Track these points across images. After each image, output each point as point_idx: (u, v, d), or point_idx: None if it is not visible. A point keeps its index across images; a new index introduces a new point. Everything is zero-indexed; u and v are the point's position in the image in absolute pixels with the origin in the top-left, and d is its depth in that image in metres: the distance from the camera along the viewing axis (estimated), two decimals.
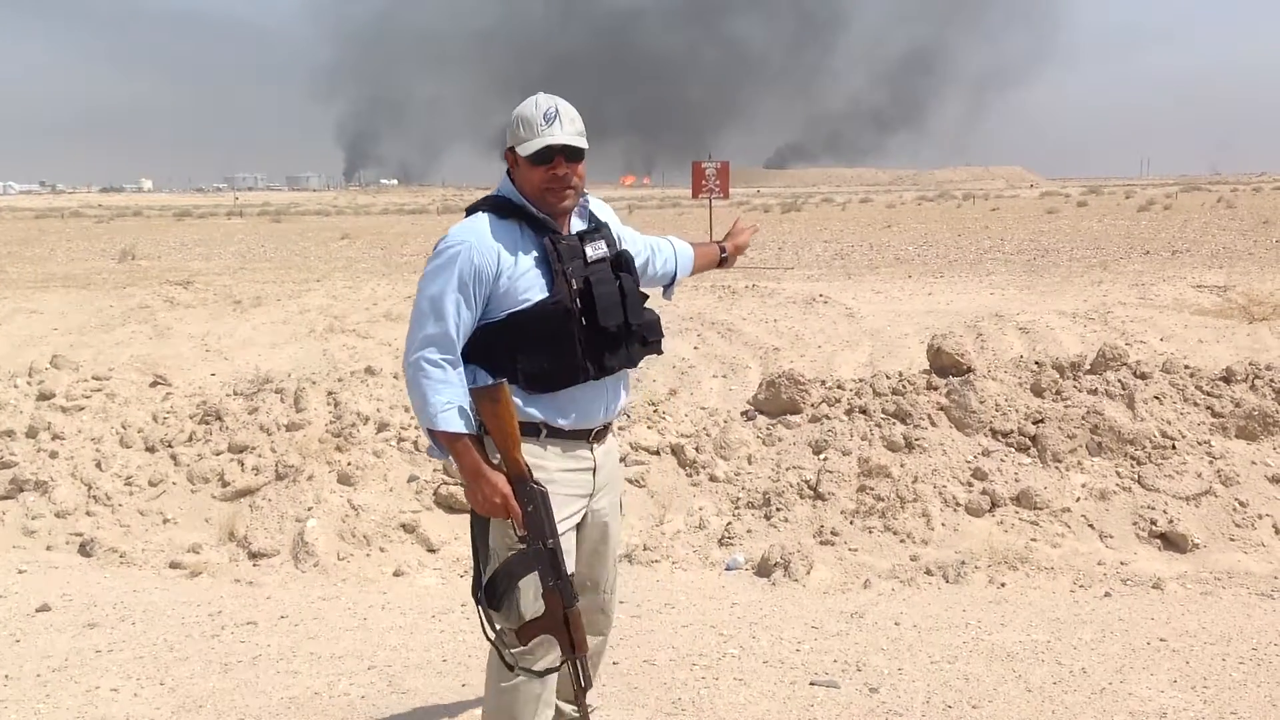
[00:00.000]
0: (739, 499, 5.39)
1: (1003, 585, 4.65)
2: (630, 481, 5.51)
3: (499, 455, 2.63)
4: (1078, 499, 5.13)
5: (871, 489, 5.23)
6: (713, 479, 5.54)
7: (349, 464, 5.62)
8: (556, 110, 2.65)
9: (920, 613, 4.38)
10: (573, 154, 2.66)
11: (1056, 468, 5.28)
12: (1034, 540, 4.93)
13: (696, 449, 5.68)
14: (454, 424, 2.57)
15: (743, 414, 6.01)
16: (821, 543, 5.05)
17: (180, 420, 6.22)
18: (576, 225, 2.78)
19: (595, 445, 2.80)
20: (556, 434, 2.72)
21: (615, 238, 2.85)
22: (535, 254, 2.65)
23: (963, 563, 4.79)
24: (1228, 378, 5.66)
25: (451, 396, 2.58)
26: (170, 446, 6.00)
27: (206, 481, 5.73)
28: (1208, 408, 5.51)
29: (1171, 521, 4.93)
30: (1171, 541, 4.90)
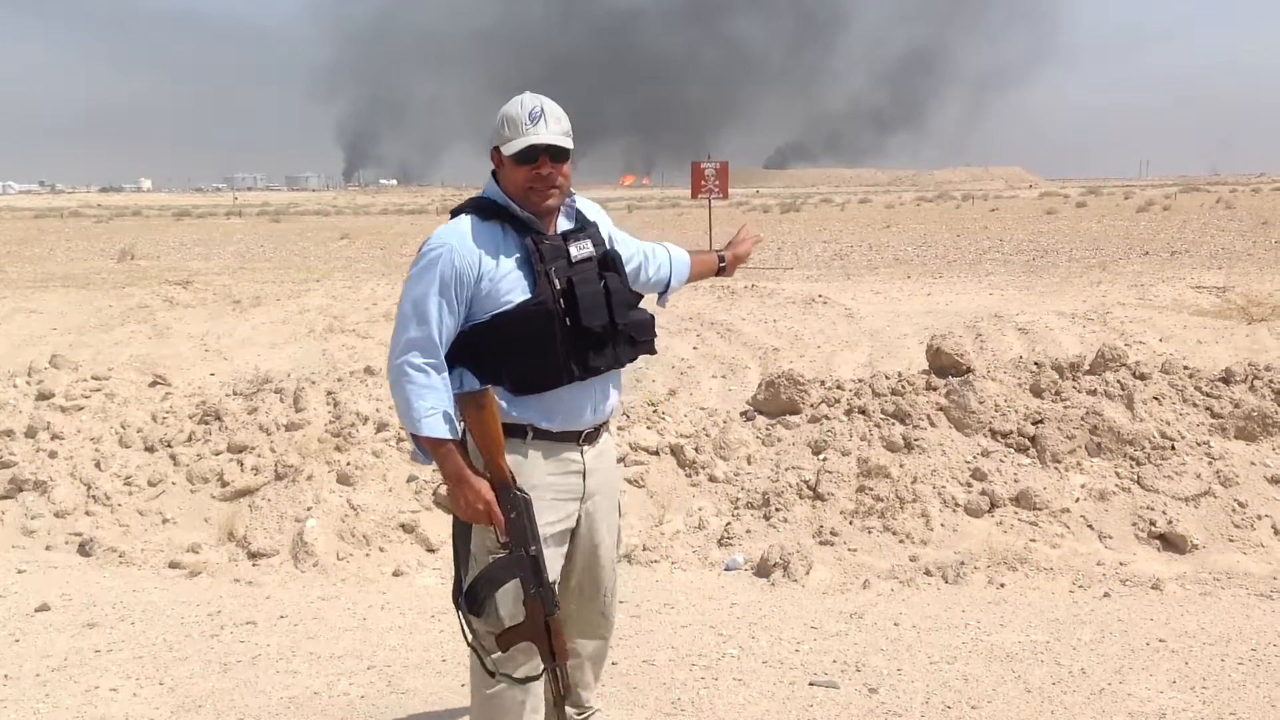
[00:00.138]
0: (738, 499, 5.39)
1: (1002, 586, 4.66)
2: (630, 482, 5.51)
3: (483, 461, 2.62)
4: (1077, 499, 5.13)
5: (871, 489, 5.24)
6: (712, 479, 5.54)
7: (348, 464, 5.62)
8: (541, 109, 2.64)
9: (919, 613, 4.38)
10: (557, 154, 2.65)
11: (1056, 468, 5.29)
12: (1033, 541, 4.93)
13: (696, 449, 5.68)
14: (438, 430, 2.56)
15: (742, 414, 6.01)
16: (821, 543, 5.05)
17: (179, 420, 6.22)
18: (563, 225, 2.76)
19: (585, 448, 2.77)
20: (543, 436, 2.70)
21: (605, 237, 2.82)
22: (518, 255, 2.63)
23: (962, 563, 4.79)
24: (1227, 378, 5.67)
25: (435, 402, 2.57)
26: (169, 446, 6.00)
27: (206, 481, 5.72)
28: (1207, 408, 5.51)
29: (1171, 522, 4.93)
30: (1171, 542, 4.91)
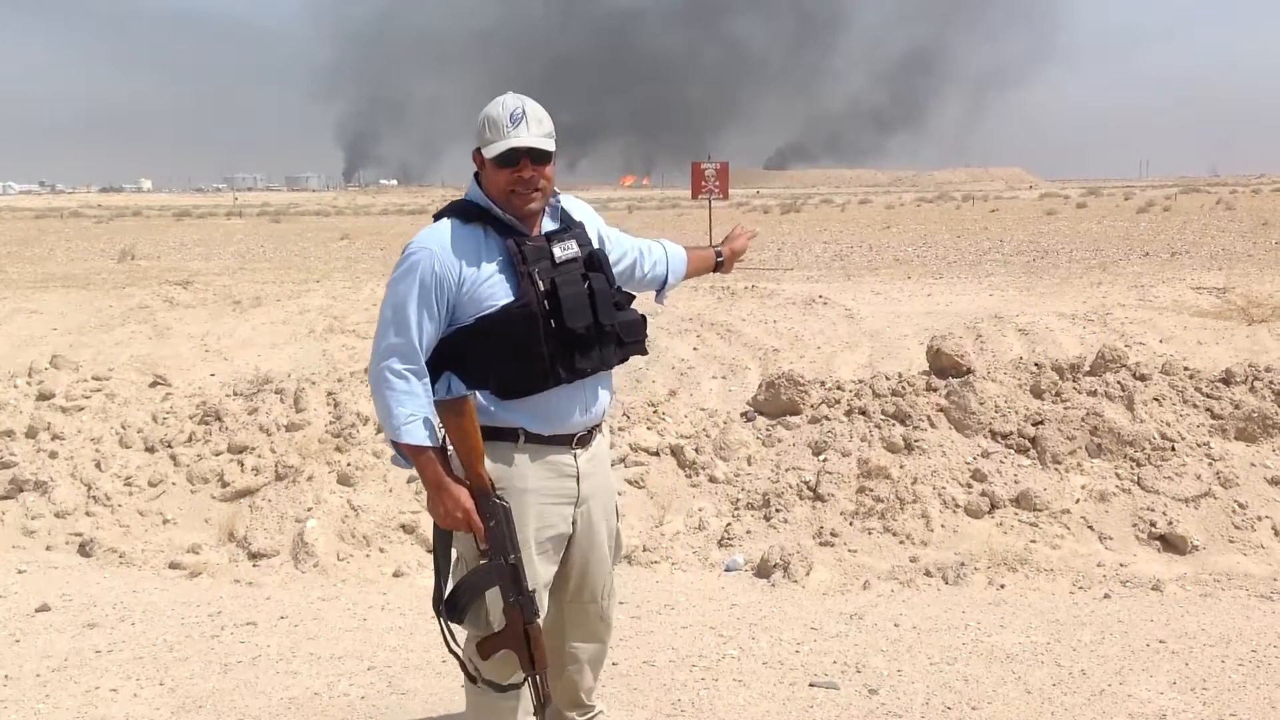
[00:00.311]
0: (738, 500, 5.39)
1: (1002, 587, 4.66)
2: (630, 482, 5.51)
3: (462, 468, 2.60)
4: (1077, 500, 5.13)
5: (871, 490, 5.24)
6: (712, 480, 5.54)
7: (349, 464, 5.62)
8: (523, 111, 2.61)
9: (920, 614, 4.38)
10: (539, 156, 2.61)
11: (1056, 469, 5.29)
12: (1033, 542, 4.93)
13: (696, 450, 5.68)
14: (418, 437, 2.55)
15: (742, 415, 6.01)
16: (821, 544, 5.05)
17: (180, 420, 6.22)
18: (547, 226, 2.73)
19: (578, 451, 2.75)
20: (534, 440, 2.67)
21: (593, 237, 2.80)
22: (500, 258, 2.61)
23: (962, 564, 4.79)
24: (1227, 379, 5.67)
25: (415, 409, 2.55)
26: (170, 447, 6.00)
27: (206, 482, 5.73)
28: (1207, 409, 5.51)
29: (1171, 523, 4.93)
30: (1171, 543, 4.91)
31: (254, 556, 5.21)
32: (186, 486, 5.74)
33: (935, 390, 5.74)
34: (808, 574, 4.80)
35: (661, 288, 3.13)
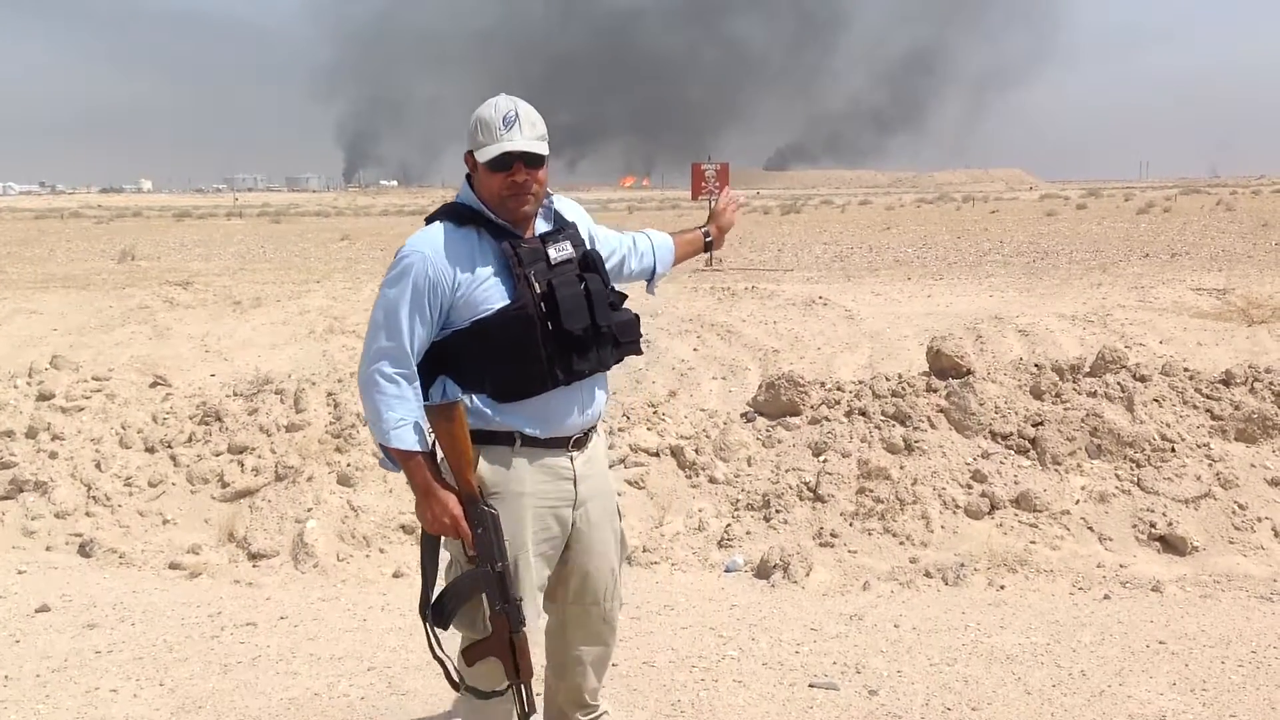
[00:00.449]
0: (738, 501, 5.39)
1: (1002, 588, 4.66)
2: (630, 483, 5.51)
3: (451, 474, 2.59)
4: (1077, 501, 5.13)
5: (871, 491, 5.24)
6: (712, 481, 5.54)
7: (348, 465, 5.62)
8: (516, 114, 2.58)
9: (919, 615, 4.38)
10: (532, 160, 2.59)
11: (1056, 470, 5.29)
12: (1033, 543, 4.93)
13: (696, 451, 5.68)
14: (407, 441, 2.54)
15: (742, 416, 6.01)
16: (821, 545, 5.05)
17: (180, 421, 6.22)
18: (541, 227, 2.71)
19: (575, 454, 2.74)
20: (531, 443, 2.66)
21: (585, 237, 2.78)
22: (495, 260, 2.59)
23: (962, 565, 4.79)
24: (1227, 380, 5.67)
25: (405, 413, 2.54)
26: (170, 447, 6.00)
27: (206, 482, 5.73)
28: (1207, 410, 5.51)
29: (1171, 524, 4.93)
30: (1171, 544, 4.91)
31: (254, 557, 5.21)
32: (186, 487, 5.74)
33: (935, 391, 5.74)
34: (808, 575, 4.80)
35: (651, 278, 3.12)
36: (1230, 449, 5.34)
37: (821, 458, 5.50)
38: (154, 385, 6.85)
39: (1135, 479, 5.19)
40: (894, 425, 5.60)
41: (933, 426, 5.56)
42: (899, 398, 5.73)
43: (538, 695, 3.03)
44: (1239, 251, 19.24)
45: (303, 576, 5.05)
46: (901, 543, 5.00)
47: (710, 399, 6.89)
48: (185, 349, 9.06)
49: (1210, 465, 5.21)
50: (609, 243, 2.96)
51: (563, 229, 2.73)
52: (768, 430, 5.80)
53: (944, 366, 5.87)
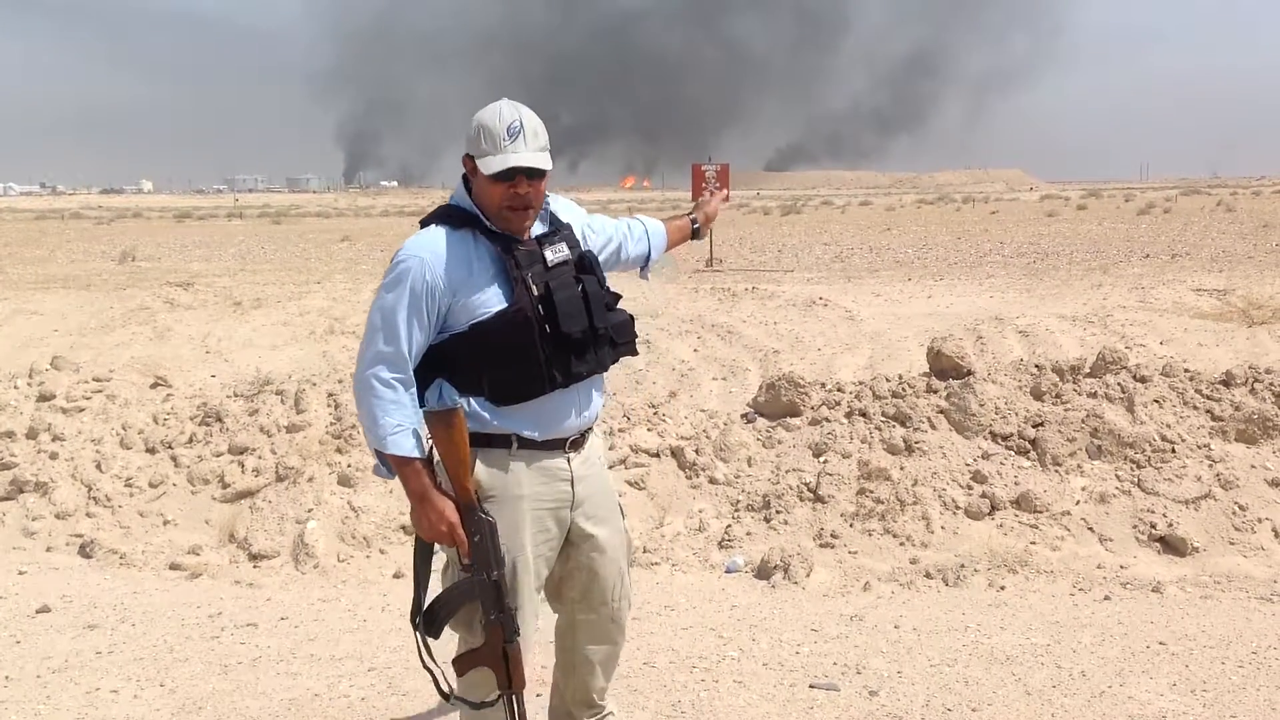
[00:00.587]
0: (739, 501, 5.39)
1: (1002, 588, 4.66)
2: (630, 484, 5.51)
3: (449, 480, 2.56)
4: (1077, 502, 5.13)
5: (871, 492, 5.24)
6: (712, 481, 5.54)
7: (349, 466, 5.62)
8: (521, 124, 2.54)
9: (920, 616, 4.39)
10: (535, 173, 2.57)
11: (1056, 471, 5.29)
12: (1033, 543, 4.93)
13: (696, 451, 5.68)
14: (404, 447, 2.51)
15: (742, 416, 6.01)
16: (821, 545, 5.05)
17: (180, 422, 6.22)
18: (537, 229, 2.69)
19: (571, 455, 2.72)
20: (528, 445, 2.64)
21: (580, 236, 2.77)
22: (492, 263, 2.57)
23: (962, 566, 4.79)
24: (1227, 381, 5.67)
25: (402, 419, 2.51)
26: (170, 448, 6.00)
27: (207, 483, 5.73)
28: (1207, 411, 5.51)
29: (1171, 525, 4.93)
30: (1171, 545, 4.91)
31: (254, 558, 5.21)
32: (187, 487, 5.74)
33: (935, 392, 5.74)
34: (808, 575, 4.80)
35: (645, 264, 3.12)
36: (1230, 450, 5.34)
37: (822, 458, 5.50)
38: (154, 386, 6.85)
39: (1135, 480, 5.19)
40: (894, 426, 5.60)
41: (933, 427, 5.56)
42: (899, 398, 5.73)
43: (537, 697, 3.04)
44: (1239, 252, 19.24)
45: (303, 577, 5.05)
46: (902, 543, 5.00)
47: (710, 399, 6.89)
48: (186, 350, 9.07)
49: (1210, 466, 5.22)
50: (605, 230, 2.95)
51: (558, 230, 2.71)
52: (768, 431, 5.80)
53: (944, 367, 5.87)
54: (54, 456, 5.96)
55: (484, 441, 2.61)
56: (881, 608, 4.50)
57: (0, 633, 4.42)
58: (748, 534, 5.17)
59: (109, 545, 5.38)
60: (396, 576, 5.04)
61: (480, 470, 2.61)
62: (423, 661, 2.64)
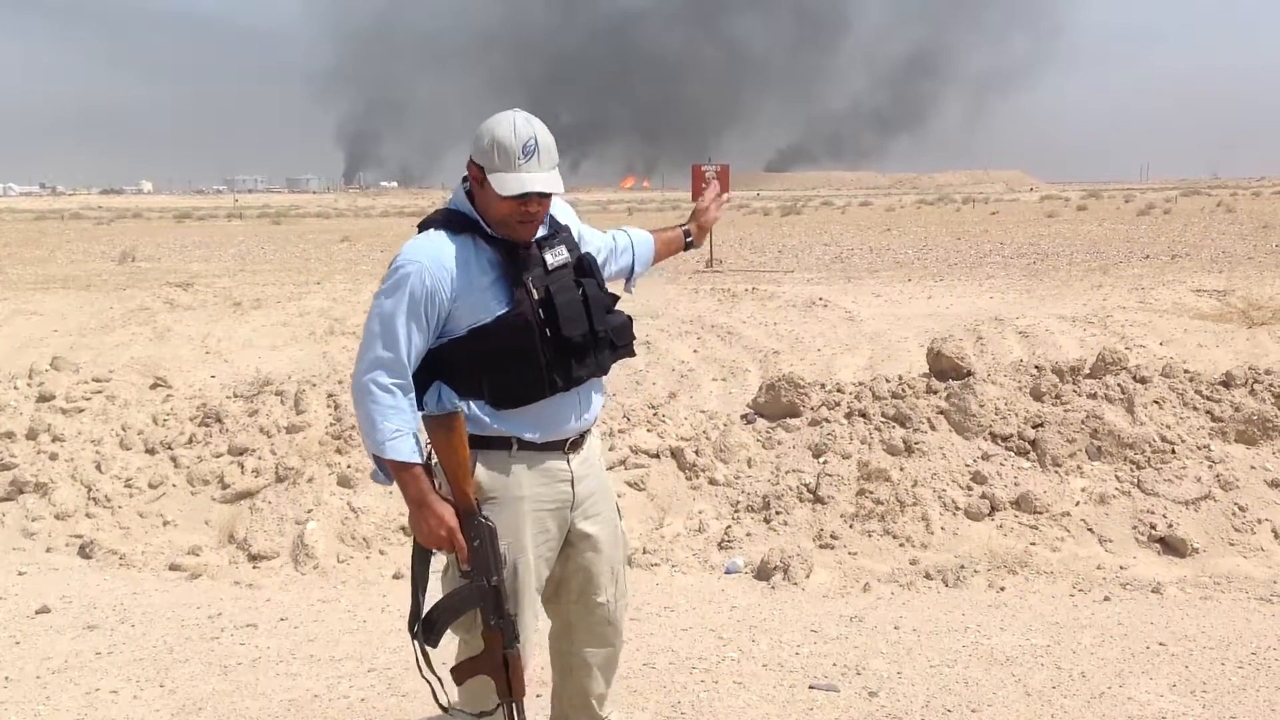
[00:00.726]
0: (738, 502, 5.39)
1: (1002, 589, 4.66)
2: (630, 485, 5.51)
3: (447, 485, 2.55)
4: (1077, 503, 5.13)
5: (871, 492, 5.24)
6: (712, 482, 5.54)
7: (349, 466, 5.62)
8: (536, 142, 2.51)
9: (920, 616, 4.39)
10: (547, 193, 2.56)
11: (1056, 472, 5.29)
12: (1033, 544, 4.93)
13: (696, 452, 5.68)
14: (403, 453, 2.49)
15: (742, 417, 6.01)
16: (821, 546, 5.05)
17: (180, 422, 6.22)
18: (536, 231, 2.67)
19: (571, 456, 2.72)
20: (528, 447, 2.63)
21: (576, 239, 2.75)
22: (492, 267, 2.56)
23: (962, 566, 4.79)
24: (1227, 382, 5.67)
25: (401, 424, 2.49)
26: (170, 448, 6.00)
27: (206, 484, 5.73)
28: (1207, 412, 5.51)
29: (1171, 526, 4.93)
30: (1171, 546, 4.91)
31: (254, 558, 5.21)
32: (187, 488, 5.74)
33: (935, 393, 5.74)
34: (808, 576, 4.80)
35: (629, 277, 3.07)
36: (1230, 451, 5.34)
37: (821, 459, 5.50)
38: (154, 386, 6.85)
39: (1135, 480, 5.19)
40: (894, 427, 5.60)
41: (933, 428, 5.56)
42: (899, 399, 5.73)
43: (537, 698, 3.03)
44: (1239, 253, 19.24)
45: (303, 578, 5.05)
46: (902, 544, 5.00)
47: (710, 400, 6.89)
48: (185, 350, 9.08)
49: (1210, 467, 5.22)
50: (594, 242, 2.92)
51: (557, 232, 2.70)
52: (768, 432, 5.80)
53: (944, 368, 5.87)
54: (54, 457, 5.96)
55: (482, 444, 2.60)
56: (881, 609, 4.50)
57: (0, 633, 4.42)
58: (747, 535, 5.17)
59: (109, 546, 5.38)
60: (396, 577, 5.04)
61: (480, 472, 2.60)
62: (421, 672, 2.61)
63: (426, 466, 2.56)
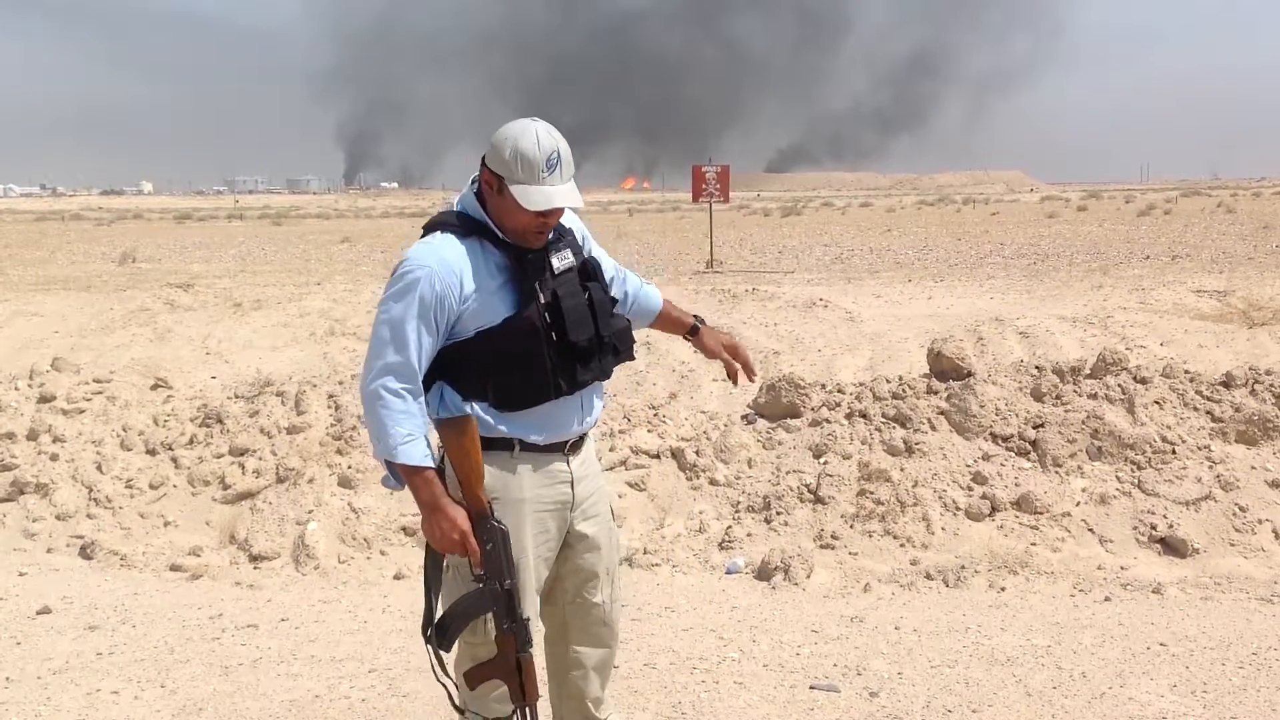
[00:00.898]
0: (739, 503, 5.39)
1: (1003, 590, 4.66)
2: (630, 485, 5.51)
3: (459, 489, 2.54)
4: (1078, 503, 5.13)
5: (871, 493, 5.24)
6: (713, 482, 5.54)
7: (349, 467, 5.62)
8: (558, 156, 2.51)
9: (920, 617, 4.39)
10: None
11: (1056, 472, 5.29)
12: (1034, 545, 4.93)
13: (697, 452, 5.69)
14: (415, 457, 2.48)
15: (743, 418, 6.01)
16: (822, 546, 5.05)
17: (181, 423, 6.22)
18: None
19: (571, 457, 2.72)
20: (530, 449, 2.64)
21: (580, 242, 2.76)
22: (500, 271, 2.56)
23: (963, 567, 4.79)
24: (1227, 382, 5.67)
25: (412, 428, 2.49)
26: (171, 449, 6.00)
27: (207, 484, 5.73)
28: (1207, 412, 5.51)
29: (1171, 526, 4.93)
30: (1171, 546, 4.91)
31: (255, 559, 5.22)
32: (187, 489, 5.74)
33: (936, 393, 5.74)
34: (808, 577, 4.80)
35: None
36: (1231, 451, 5.34)
37: (822, 460, 5.50)
38: (155, 387, 6.86)
39: (1136, 481, 5.20)
40: (894, 427, 5.60)
41: (933, 428, 5.57)
42: (899, 400, 5.73)
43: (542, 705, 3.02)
44: (1240, 254, 19.25)
45: (304, 578, 5.05)
46: (902, 545, 5.01)
47: (711, 401, 6.89)
48: (186, 351, 9.08)
49: (1211, 467, 5.22)
50: (604, 262, 2.87)
51: (562, 236, 2.70)
52: (768, 432, 5.81)
53: (945, 368, 5.87)
54: (54, 458, 5.96)
55: (486, 445, 2.60)
56: (882, 609, 4.50)
57: (1, 634, 4.42)
58: (748, 535, 5.17)
59: (109, 546, 5.38)
60: (397, 578, 5.04)
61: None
62: (437, 676, 2.62)
63: (438, 470, 2.55)
